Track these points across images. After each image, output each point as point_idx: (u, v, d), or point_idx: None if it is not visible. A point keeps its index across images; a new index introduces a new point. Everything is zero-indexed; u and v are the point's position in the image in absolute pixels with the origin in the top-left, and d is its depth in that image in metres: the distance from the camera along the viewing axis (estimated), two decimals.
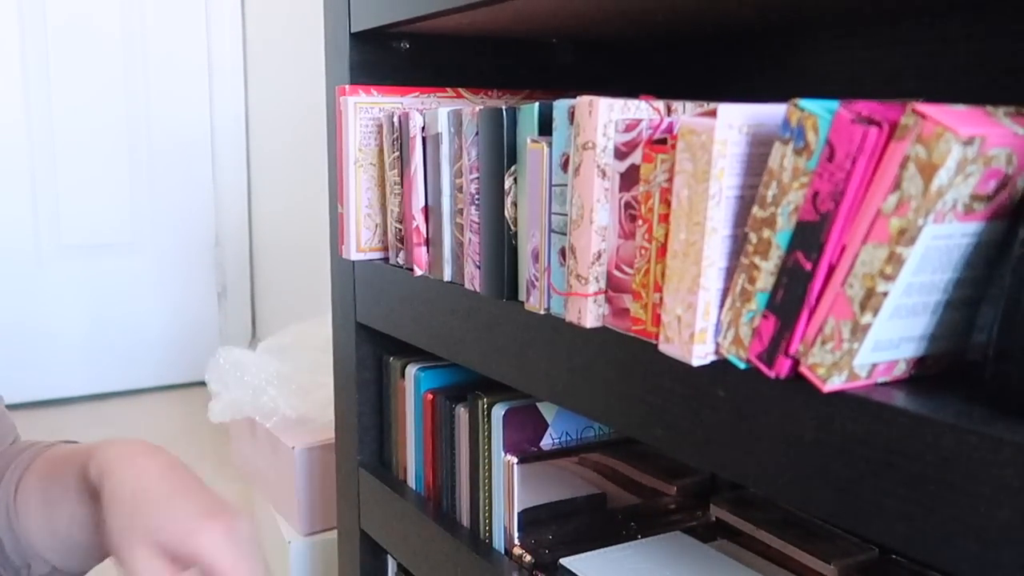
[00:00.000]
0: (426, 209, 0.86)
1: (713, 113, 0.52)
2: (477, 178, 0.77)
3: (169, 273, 2.47)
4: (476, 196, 0.77)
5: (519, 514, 0.81)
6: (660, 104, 0.62)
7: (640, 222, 0.59)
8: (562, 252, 0.66)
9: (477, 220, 0.77)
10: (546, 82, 1.05)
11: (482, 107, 0.75)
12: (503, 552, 0.82)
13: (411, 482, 0.97)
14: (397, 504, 0.95)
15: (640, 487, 0.87)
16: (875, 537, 0.47)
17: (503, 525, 0.82)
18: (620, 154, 0.61)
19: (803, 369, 0.49)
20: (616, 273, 0.62)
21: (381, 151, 0.94)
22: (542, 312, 0.69)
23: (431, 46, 0.99)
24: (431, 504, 0.93)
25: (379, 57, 0.97)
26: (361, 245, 0.95)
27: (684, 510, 0.86)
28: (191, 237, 2.48)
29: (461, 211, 0.80)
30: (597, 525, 0.83)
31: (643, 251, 0.59)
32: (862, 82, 0.87)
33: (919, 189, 0.43)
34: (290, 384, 1.43)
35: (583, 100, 0.61)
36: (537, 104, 0.69)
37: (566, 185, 0.65)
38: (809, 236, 0.48)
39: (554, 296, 0.68)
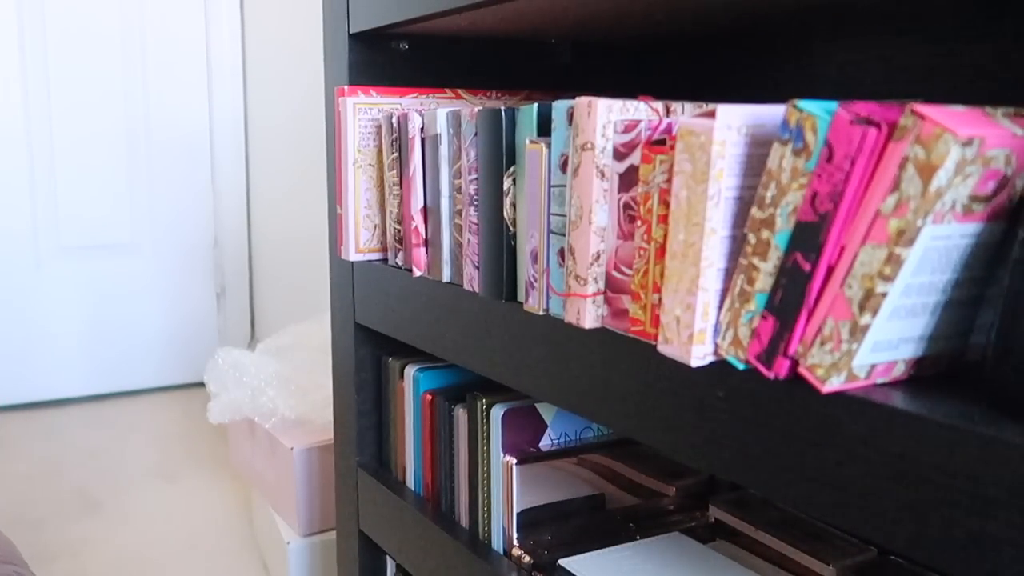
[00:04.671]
0: (425, 210, 0.86)
1: (712, 114, 0.52)
2: (476, 179, 0.77)
3: (168, 274, 2.47)
4: (475, 197, 0.77)
5: (518, 515, 0.81)
6: (659, 105, 0.62)
7: (639, 223, 0.59)
8: (561, 253, 0.66)
9: (476, 221, 0.77)
10: (545, 83, 1.05)
11: (481, 108, 0.75)
12: (502, 553, 0.82)
13: (410, 483, 0.97)
14: (396, 505, 0.95)
15: (639, 488, 0.87)
16: (874, 538, 0.47)
17: (502, 526, 0.82)
18: (619, 155, 0.61)
19: (802, 370, 0.49)
20: (615, 274, 0.62)
21: (380, 152, 0.94)
22: (541, 313, 0.69)
23: (430, 47, 0.99)
24: (430, 505, 0.93)
25: (378, 58, 0.97)
26: (360, 246, 0.95)
27: (683, 511, 0.86)
28: (190, 238, 2.48)
29: (460, 212, 0.80)
30: (596, 526, 0.83)
31: (642, 252, 0.59)
32: (861, 82, 0.87)
33: (918, 190, 0.43)
34: (289, 385, 1.43)
35: (582, 101, 0.61)
36: (536, 105, 0.69)
37: (565, 186, 0.65)
38: (808, 237, 0.48)
39: (553, 297, 0.68)
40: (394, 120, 0.89)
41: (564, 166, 0.65)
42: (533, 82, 1.04)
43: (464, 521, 0.88)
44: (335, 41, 0.98)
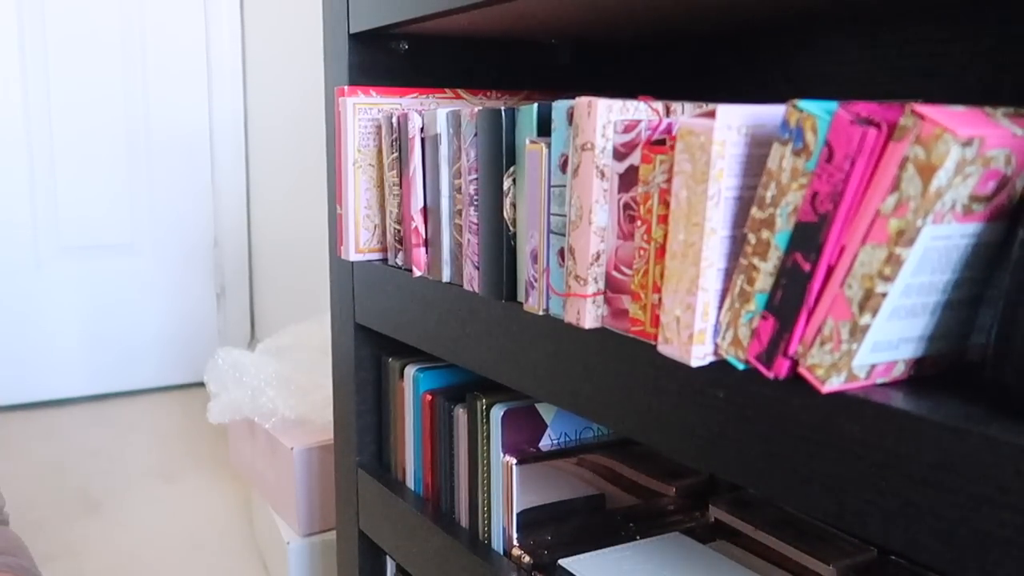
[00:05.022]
0: (425, 210, 0.86)
1: (712, 114, 0.52)
2: (476, 179, 0.77)
3: (168, 274, 2.46)
4: (475, 197, 0.77)
5: (518, 515, 0.81)
6: (659, 105, 0.62)
7: (639, 223, 0.59)
8: (561, 253, 0.66)
9: (476, 221, 0.77)
10: (545, 83, 1.05)
11: (481, 108, 0.75)
12: (502, 553, 0.82)
13: (410, 483, 0.97)
14: (396, 505, 0.95)
15: (639, 488, 0.87)
16: (874, 538, 0.47)
17: (502, 526, 0.82)
18: (619, 155, 0.61)
19: (802, 370, 0.49)
20: (615, 274, 0.62)
21: (380, 152, 0.94)
22: (541, 313, 0.69)
23: (430, 47, 0.99)
24: (430, 505, 0.93)
25: (378, 58, 0.97)
26: (360, 246, 0.95)
27: (683, 511, 0.86)
28: (190, 238, 2.48)
29: (460, 212, 0.80)
30: (596, 526, 0.83)
31: (642, 252, 0.59)
32: (861, 82, 0.87)
33: (918, 190, 0.43)
34: (289, 385, 1.43)
35: (582, 101, 0.61)
36: (536, 105, 0.69)
37: (565, 186, 0.65)
38: (808, 237, 0.48)
39: (553, 297, 0.68)
40: (394, 120, 0.89)
41: (564, 166, 0.65)
42: (533, 82, 1.04)
43: (464, 521, 0.88)
44: (335, 41, 0.98)
